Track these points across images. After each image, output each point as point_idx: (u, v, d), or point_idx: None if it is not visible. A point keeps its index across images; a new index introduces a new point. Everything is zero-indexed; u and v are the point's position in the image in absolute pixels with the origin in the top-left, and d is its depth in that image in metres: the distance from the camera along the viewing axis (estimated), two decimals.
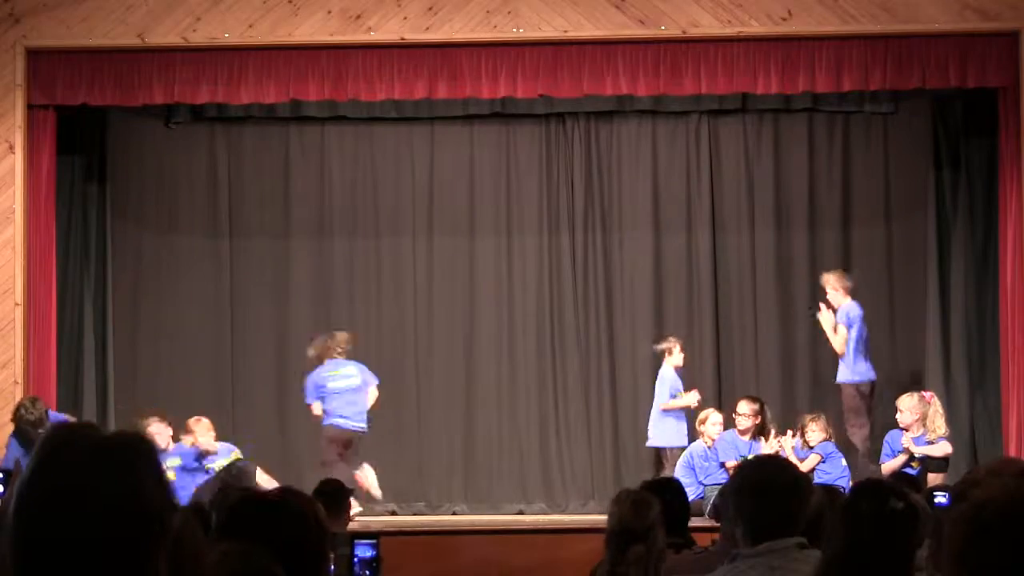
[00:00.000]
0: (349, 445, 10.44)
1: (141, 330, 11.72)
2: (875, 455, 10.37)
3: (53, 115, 10.49)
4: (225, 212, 11.90)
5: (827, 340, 10.58)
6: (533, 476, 11.66)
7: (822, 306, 10.48)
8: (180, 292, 11.78)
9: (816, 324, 10.66)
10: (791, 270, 11.77)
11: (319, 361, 10.50)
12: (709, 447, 10.61)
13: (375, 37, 10.25)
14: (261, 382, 11.79)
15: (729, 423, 10.68)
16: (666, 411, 10.79)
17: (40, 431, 9.60)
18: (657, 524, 4.96)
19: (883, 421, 10.49)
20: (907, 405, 10.20)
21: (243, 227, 11.91)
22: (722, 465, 10.36)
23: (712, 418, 10.69)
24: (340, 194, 11.94)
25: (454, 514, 11.45)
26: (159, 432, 10.08)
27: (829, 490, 4.92)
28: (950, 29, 10.11)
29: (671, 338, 10.99)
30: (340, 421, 10.37)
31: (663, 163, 11.88)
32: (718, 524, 5.42)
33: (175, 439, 10.40)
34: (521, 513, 11.45)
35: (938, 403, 10.30)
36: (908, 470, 9.79)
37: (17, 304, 10.26)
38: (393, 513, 11.39)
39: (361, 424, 10.47)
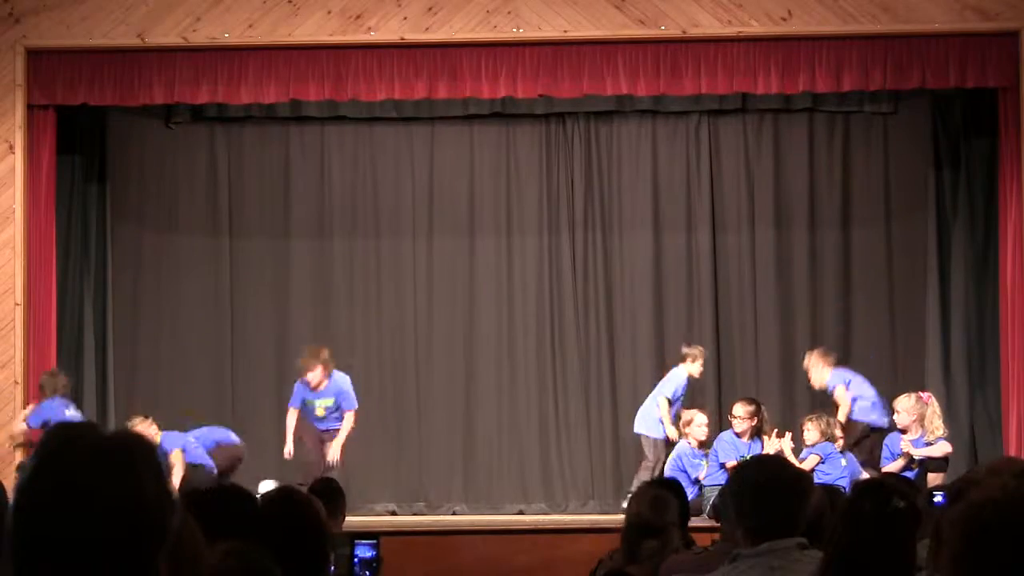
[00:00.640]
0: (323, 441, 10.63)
1: (141, 330, 11.72)
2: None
3: (53, 115, 10.49)
4: (225, 212, 11.90)
5: (826, 344, 10.58)
6: (533, 476, 11.66)
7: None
8: (180, 292, 11.78)
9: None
10: (791, 270, 11.77)
11: (302, 373, 10.57)
12: (695, 447, 10.62)
13: (375, 37, 10.26)
14: (261, 382, 11.79)
15: (724, 424, 10.69)
16: (651, 407, 10.78)
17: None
18: (674, 523, 4.98)
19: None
20: (904, 406, 10.19)
21: (243, 227, 11.91)
22: (722, 465, 10.36)
23: (697, 419, 10.68)
24: (340, 194, 11.94)
25: (454, 514, 11.45)
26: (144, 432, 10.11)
27: (829, 490, 4.92)
28: (950, 29, 10.11)
29: (700, 348, 10.92)
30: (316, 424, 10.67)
31: (663, 163, 11.88)
32: (718, 524, 5.42)
33: None
34: (521, 513, 11.45)
35: (935, 403, 10.29)
36: (907, 473, 9.78)
37: (17, 304, 10.26)
38: (393, 513, 11.40)
39: (335, 426, 10.59)
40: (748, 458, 9.28)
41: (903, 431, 10.20)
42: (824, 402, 11.12)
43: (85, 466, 1.78)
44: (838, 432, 10.33)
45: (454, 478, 11.68)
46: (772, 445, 10.36)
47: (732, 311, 11.78)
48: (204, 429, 10.55)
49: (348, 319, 11.86)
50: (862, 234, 11.76)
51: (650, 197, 11.85)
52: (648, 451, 10.75)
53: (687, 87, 10.40)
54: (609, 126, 11.88)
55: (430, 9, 10.25)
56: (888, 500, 3.33)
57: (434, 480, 11.66)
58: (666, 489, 5.39)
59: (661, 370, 11.68)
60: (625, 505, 6.57)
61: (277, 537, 3.11)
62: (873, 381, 11.40)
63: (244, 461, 10.52)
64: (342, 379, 10.63)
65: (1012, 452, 9.90)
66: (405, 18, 10.25)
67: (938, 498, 4.44)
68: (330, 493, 6.18)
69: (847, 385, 10.45)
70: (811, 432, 10.33)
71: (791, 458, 9.57)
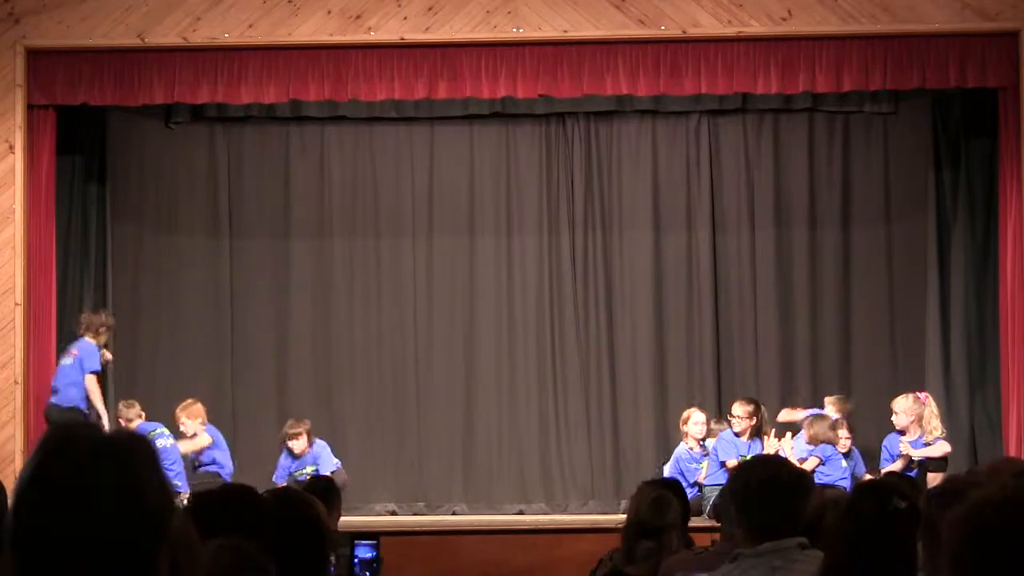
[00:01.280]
0: None
1: (141, 330, 11.72)
2: (874, 460, 10.39)
3: (53, 115, 10.49)
4: (225, 212, 11.90)
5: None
6: (533, 476, 11.66)
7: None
8: (180, 292, 11.78)
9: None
10: (791, 270, 11.77)
11: (283, 441, 10.70)
12: (692, 449, 10.62)
13: (375, 37, 10.25)
14: (261, 382, 11.79)
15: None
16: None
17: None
18: (674, 525, 4.97)
19: (882, 423, 10.49)
20: (902, 407, 10.19)
21: (243, 227, 11.91)
22: (722, 465, 10.36)
23: (694, 417, 10.69)
24: (340, 194, 11.94)
25: (454, 514, 11.45)
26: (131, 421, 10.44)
27: (829, 490, 4.92)
28: (950, 29, 10.11)
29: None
30: None
31: (663, 163, 11.88)
32: (718, 524, 5.43)
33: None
34: (521, 513, 11.45)
35: (933, 403, 10.29)
36: (907, 474, 9.78)
37: (17, 304, 10.26)
38: (393, 513, 11.40)
39: None
40: (749, 458, 9.29)
41: (901, 432, 10.19)
42: (821, 404, 11.13)
43: (85, 466, 1.78)
44: (842, 433, 10.33)
45: (454, 478, 11.68)
46: (771, 445, 10.36)
47: (732, 311, 11.78)
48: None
49: (348, 319, 11.86)
50: (862, 234, 11.76)
51: (650, 197, 11.84)
52: None
53: (687, 87, 10.39)
54: (609, 126, 11.87)
55: (430, 9, 10.25)
56: (888, 500, 3.33)
57: (434, 480, 11.66)
58: (668, 490, 5.39)
59: (661, 370, 11.69)
60: (627, 504, 6.58)
61: (277, 537, 3.11)
62: (873, 381, 11.42)
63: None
64: (321, 447, 10.76)
65: (1012, 452, 9.89)
66: (405, 18, 10.24)
67: None
68: (325, 491, 6.18)
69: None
70: (811, 433, 10.33)
71: (791, 459, 9.57)
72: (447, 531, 10.14)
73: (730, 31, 10.17)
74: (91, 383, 10.31)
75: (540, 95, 10.61)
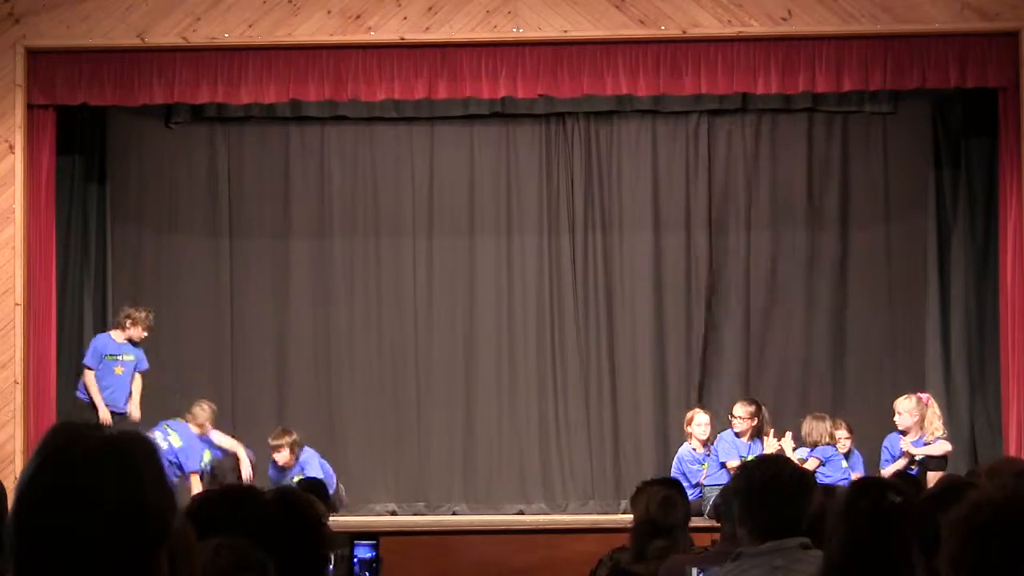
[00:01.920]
0: None
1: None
2: (874, 461, 10.38)
3: (53, 115, 10.48)
4: (225, 212, 11.90)
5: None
6: (533, 476, 11.66)
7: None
8: (180, 292, 11.78)
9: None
10: (791, 270, 11.76)
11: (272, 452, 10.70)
12: (696, 450, 10.62)
13: (375, 37, 10.25)
14: (261, 382, 11.79)
15: (722, 424, 10.69)
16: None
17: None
18: (682, 524, 4.98)
19: (882, 423, 10.50)
20: (905, 407, 10.19)
21: (243, 227, 11.91)
22: (722, 465, 10.36)
23: (697, 418, 10.69)
24: (340, 194, 11.94)
25: (454, 514, 11.45)
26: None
27: (829, 490, 4.92)
28: (950, 29, 10.11)
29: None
30: None
31: (663, 163, 11.87)
32: (718, 524, 5.43)
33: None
34: (521, 513, 11.45)
35: (935, 404, 10.29)
36: (909, 471, 9.79)
37: (17, 304, 10.26)
38: (393, 513, 11.40)
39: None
40: (751, 458, 9.30)
41: (903, 432, 10.20)
42: (821, 404, 11.14)
43: (86, 466, 1.78)
44: (842, 433, 10.33)
45: (454, 478, 11.68)
46: (772, 445, 10.36)
47: (732, 311, 11.77)
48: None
49: (348, 319, 11.86)
50: (862, 234, 11.76)
51: (650, 197, 11.84)
52: None
53: (687, 87, 10.39)
54: (609, 126, 11.87)
55: (430, 9, 10.25)
56: (883, 496, 3.33)
57: (434, 480, 11.66)
58: (675, 490, 5.40)
59: (661, 370, 11.69)
60: (627, 504, 6.58)
61: (277, 537, 3.11)
62: (873, 381, 11.43)
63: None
64: (309, 457, 10.70)
65: (1012, 452, 9.89)
66: (405, 18, 10.24)
67: None
68: (317, 491, 6.20)
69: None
70: (811, 433, 10.33)
71: (792, 458, 9.57)
72: (447, 531, 10.14)
73: (730, 31, 10.17)
74: (88, 378, 10.62)
75: (540, 95, 10.61)
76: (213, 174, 11.90)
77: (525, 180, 11.91)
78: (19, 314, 10.25)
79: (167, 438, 10.41)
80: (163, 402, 10.96)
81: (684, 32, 10.19)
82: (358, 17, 10.25)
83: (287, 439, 10.60)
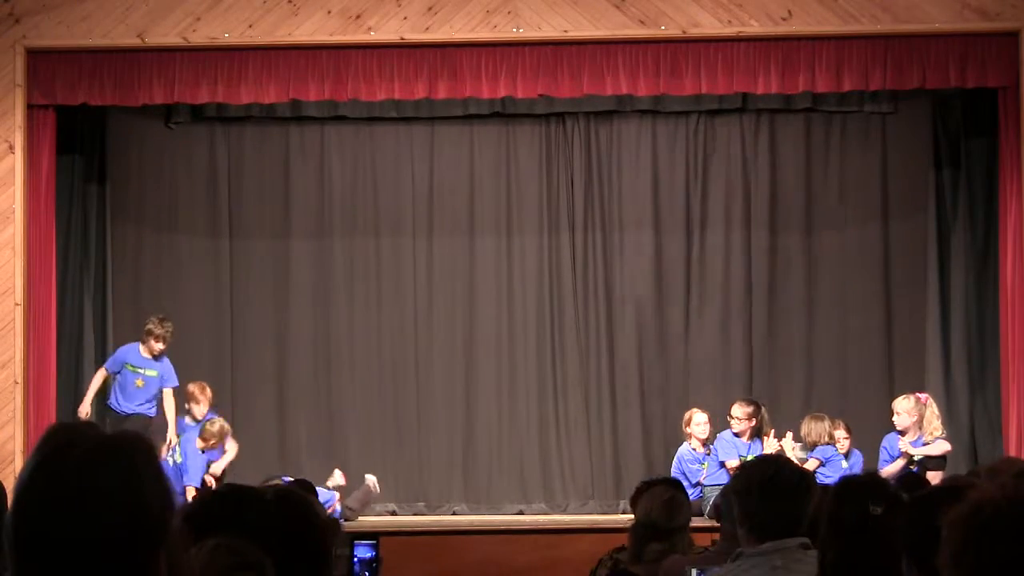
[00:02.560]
0: None
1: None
2: (873, 461, 10.38)
3: (53, 115, 10.48)
4: (225, 212, 11.90)
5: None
6: (533, 476, 11.66)
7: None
8: (180, 292, 11.78)
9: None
10: (790, 269, 11.77)
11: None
12: (696, 449, 10.62)
13: (375, 37, 10.25)
14: (261, 382, 11.79)
15: (721, 424, 10.69)
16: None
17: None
18: (684, 526, 4.95)
19: (882, 423, 10.49)
20: (903, 407, 10.18)
21: (243, 227, 11.91)
22: (722, 465, 10.36)
23: (696, 418, 10.69)
24: (340, 194, 11.94)
25: (454, 514, 11.45)
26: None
27: (829, 491, 4.91)
28: (950, 29, 10.11)
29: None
30: None
31: (663, 163, 11.87)
32: (718, 524, 5.43)
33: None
34: (521, 513, 11.45)
35: (934, 404, 10.29)
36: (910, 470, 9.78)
37: (17, 304, 10.26)
38: (393, 513, 11.40)
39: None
40: (751, 458, 9.30)
41: (902, 432, 10.19)
42: (821, 404, 11.14)
43: (85, 466, 1.78)
44: (840, 433, 10.33)
45: (454, 478, 11.68)
46: (772, 445, 10.36)
47: (731, 311, 11.77)
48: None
49: (348, 319, 11.86)
50: (862, 234, 11.76)
51: (650, 197, 11.84)
52: None
53: (687, 87, 10.39)
54: (609, 126, 11.87)
55: (430, 9, 10.25)
56: (865, 507, 3.31)
57: (434, 480, 11.66)
58: (679, 491, 5.37)
59: (661, 370, 11.69)
60: (627, 504, 6.56)
61: (277, 537, 3.10)
62: (873, 381, 11.43)
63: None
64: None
65: (1012, 452, 9.89)
66: (405, 18, 10.24)
67: None
68: (304, 490, 6.19)
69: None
70: (809, 434, 10.33)
71: (792, 458, 9.56)
72: (447, 531, 10.15)
73: (730, 31, 10.17)
74: (96, 375, 10.83)
75: (540, 95, 10.61)
76: (213, 174, 11.90)
77: (525, 180, 11.91)
78: (19, 314, 10.25)
79: (172, 455, 10.43)
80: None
81: (684, 32, 10.19)
82: (358, 17, 10.25)
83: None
